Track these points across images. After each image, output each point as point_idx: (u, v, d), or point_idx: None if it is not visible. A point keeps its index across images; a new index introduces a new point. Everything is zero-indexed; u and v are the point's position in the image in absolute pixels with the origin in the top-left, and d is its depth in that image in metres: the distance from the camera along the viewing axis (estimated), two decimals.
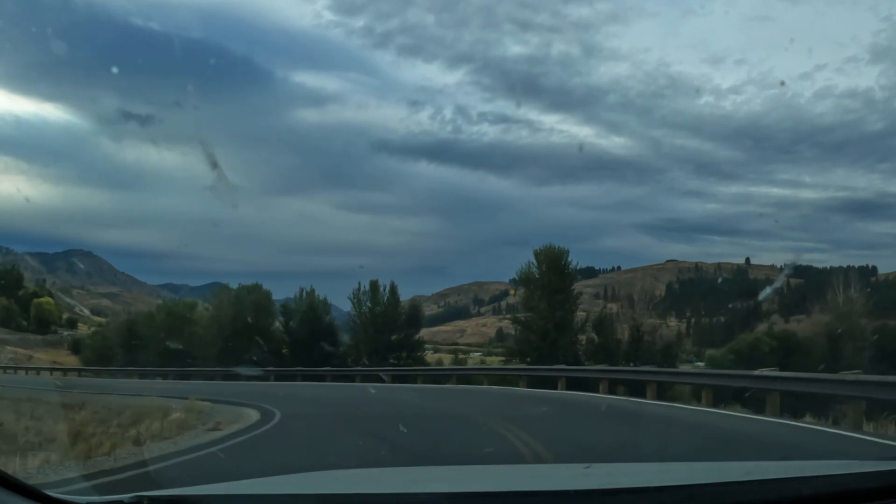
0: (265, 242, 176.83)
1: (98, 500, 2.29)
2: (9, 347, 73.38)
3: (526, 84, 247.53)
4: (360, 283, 52.88)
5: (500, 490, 2.40)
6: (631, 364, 37.05)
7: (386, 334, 50.95)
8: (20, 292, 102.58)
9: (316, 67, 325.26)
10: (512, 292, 67.82)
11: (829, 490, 2.24)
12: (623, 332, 48.19)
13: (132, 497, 2.07)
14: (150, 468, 7.39)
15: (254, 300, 52.11)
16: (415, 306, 55.67)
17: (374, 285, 52.34)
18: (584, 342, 47.88)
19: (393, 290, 52.73)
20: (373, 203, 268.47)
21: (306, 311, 53.28)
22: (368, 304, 51.74)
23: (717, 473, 2.92)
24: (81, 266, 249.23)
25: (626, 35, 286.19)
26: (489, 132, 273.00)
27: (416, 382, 31.26)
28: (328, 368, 37.54)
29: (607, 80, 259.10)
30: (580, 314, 50.31)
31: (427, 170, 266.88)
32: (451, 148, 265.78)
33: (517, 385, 26.87)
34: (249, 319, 49.41)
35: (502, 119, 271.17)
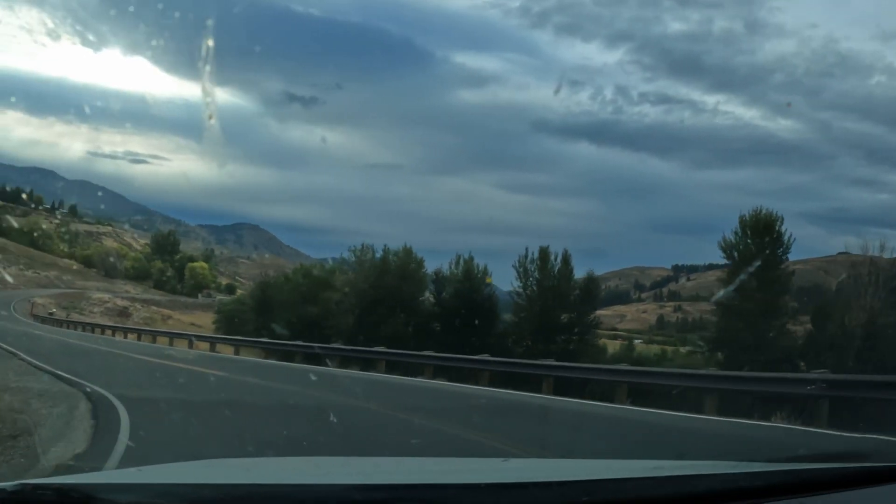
0: (423, 220, 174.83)
1: None
2: (153, 307, 71.36)
3: (687, 63, 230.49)
4: (527, 250, 44.52)
5: (411, 483, 2.31)
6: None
7: (555, 312, 42.40)
8: (177, 256, 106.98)
9: (476, 48, 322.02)
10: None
11: (722, 487, 2.30)
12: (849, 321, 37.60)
13: (15, 485, 1.87)
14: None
15: (401, 265, 44.73)
16: (591, 280, 46.30)
17: (543, 253, 43.72)
18: (797, 333, 39.25)
19: (566, 260, 43.96)
20: (532, 183, 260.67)
21: (462, 281, 45.44)
22: (536, 274, 43.23)
23: (618, 470, 2.85)
24: (249, 238, 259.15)
25: (791, 9, 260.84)
26: (650, 113, 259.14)
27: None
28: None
29: (772, 58, 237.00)
30: None
31: (587, 151, 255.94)
32: (612, 129, 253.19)
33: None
34: (395, 287, 42.23)
35: (664, 99, 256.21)
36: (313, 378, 17.11)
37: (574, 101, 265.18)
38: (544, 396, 15.13)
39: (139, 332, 38.55)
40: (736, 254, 39.36)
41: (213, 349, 30.32)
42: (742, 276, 37.01)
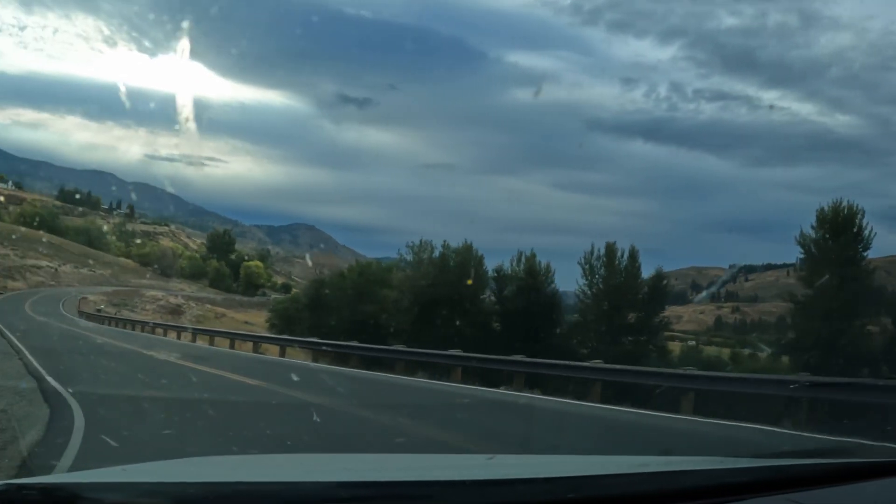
0: (477, 219, 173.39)
1: None
2: (206, 305, 70.95)
3: (742, 58, 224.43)
4: (593, 246, 42.45)
5: (397, 479, 2.30)
6: None
7: (622, 312, 40.20)
8: (232, 255, 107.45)
9: (527, 47, 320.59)
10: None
11: (707, 483, 2.30)
12: None
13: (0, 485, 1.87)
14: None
15: (461, 262, 42.88)
16: (660, 277, 43.81)
17: (609, 249, 41.57)
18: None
19: (633, 256, 41.72)
20: (587, 182, 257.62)
21: (524, 278, 43.40)
22: (602, 272, 41.06)
23: (604, 466, 2.86)
24: (305, 238, 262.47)
25: (846, 1, 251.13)
26: (706, 110, 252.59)
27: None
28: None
29: (828, 51, 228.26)
30: None
31: (642, 149, 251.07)
32: (667, 126, 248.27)
33: None
34: (456, 284, 40.40)
35: (719, 96, 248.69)
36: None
37: (628, 98, 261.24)
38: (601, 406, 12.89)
39: (178, 330, 35.56)
40: (814, 249, 36.96)
41: (256, 349, 27.13)
42: (825, 276, 34.70)
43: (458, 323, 39.22)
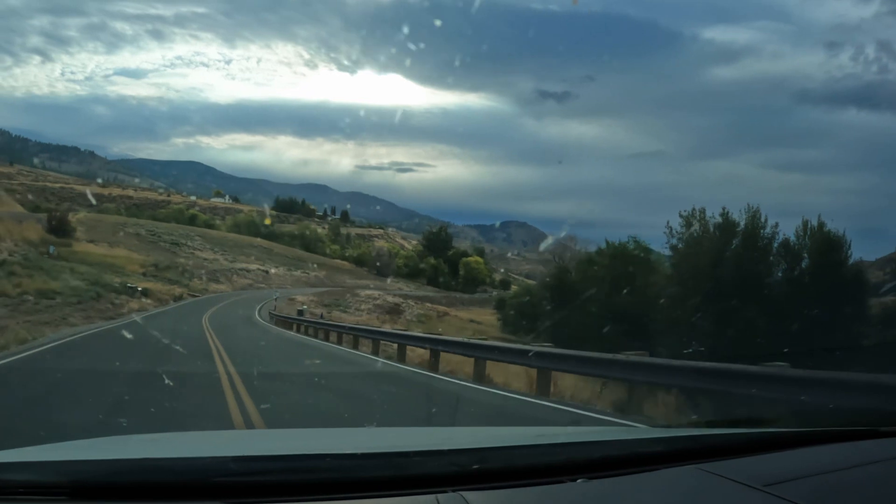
0: (689, 206, 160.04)
1: None
2: (426, 304, 65.70)
3: None
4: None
5: (289, 453, 2.30)
6: None
7: None
8: (449, 252, 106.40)
9: (723, 21, 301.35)
10: None
11: (619, 453, 2.23)
12: None
13: None
14: None
15: (750, 234, 33.44)
16: None
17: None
18: None
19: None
20: (800, 160, 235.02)
21: (818, 253, 34.29)
22: None
23: (508, 437, 2.95)
24: (517, 235, 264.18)
25: None
26: None
27: None
28: None
29: None
30: None
31: (856, 119, 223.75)
32: (879, 90, 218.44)
33: None
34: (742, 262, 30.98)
35: None
36: None
37: (834, 64, 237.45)
38: None
39: (402, 341, 19.01)
40: None
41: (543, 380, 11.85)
42: None
43: (749, 313, 29.74)
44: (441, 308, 64.19)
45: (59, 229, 56.26)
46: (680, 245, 34.41)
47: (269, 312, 41.45)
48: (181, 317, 33.93)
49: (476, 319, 58.38)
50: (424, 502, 1.82)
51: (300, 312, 39.47)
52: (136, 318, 30.45)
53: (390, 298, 60.90)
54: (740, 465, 2.15)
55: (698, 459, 2.15)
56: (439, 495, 1.83)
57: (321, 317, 37.29)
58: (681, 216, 34.16)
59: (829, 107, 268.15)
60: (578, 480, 1.98)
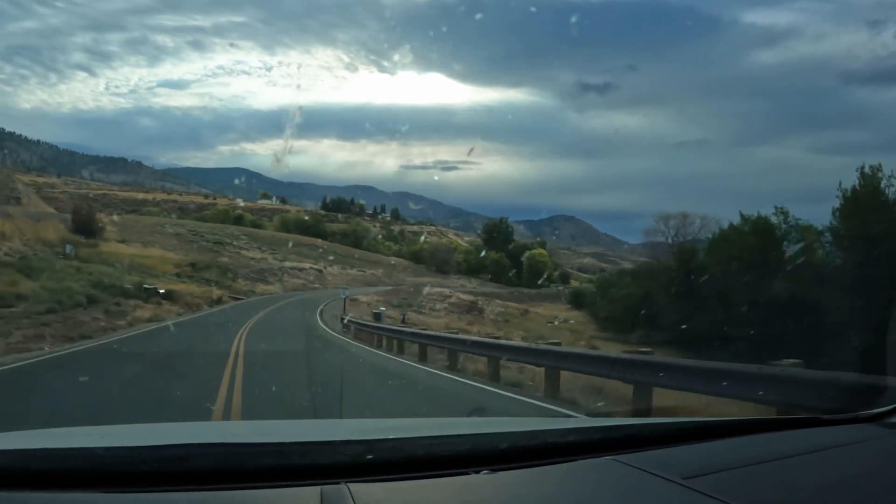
0: (737, 195, 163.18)
1: None
2: (497, 301, 60.01)
3: None
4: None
5: (201, 441, 2.19)
6: None
7: None
8: (510, 246, 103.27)
9: (763, 3, 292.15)
10: None
11: (528, 444, 2.15)
12: None
13: None
14: None
15: None
16: None
17: None
18: None
19: None
20: (849, 142, 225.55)
21: None
22: None
23: (411, 427, 2.79)
24: (565, 229, 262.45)
25: None
26: None
27: None
28: None
29: None
30: None
31: None
32: None
33: None
34: None
35: None
36: None
37: (879, 42, 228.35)
38: None
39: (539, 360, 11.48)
40: None
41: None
42: None
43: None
44: (517, 306, 58.34)
45: (86, 229, 52.45)
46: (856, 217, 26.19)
47: (341, 318, 31.99)
48: (205, 331, 25.54)
49: (559, 316, 52.73)
50: (308, 494, 1.74)
51: (377, 316, 31.70)
52: (129, 334, 22.20)
53: (464, 296, 54.96)
54: (660, 456, 2.07)
55: (616, 451, 2.05)
56: (324, 487, 1.75)
57: (403, 321, 30.90)
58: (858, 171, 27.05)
59: (875, 86, 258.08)
60: (483, 472, 1.88)
